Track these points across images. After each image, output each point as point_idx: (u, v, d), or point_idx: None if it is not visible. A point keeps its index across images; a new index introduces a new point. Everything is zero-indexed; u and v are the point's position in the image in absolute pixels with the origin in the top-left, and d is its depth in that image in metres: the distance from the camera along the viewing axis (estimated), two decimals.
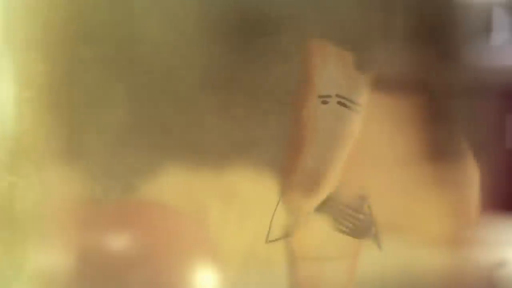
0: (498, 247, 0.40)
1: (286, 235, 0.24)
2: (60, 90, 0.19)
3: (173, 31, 0.20)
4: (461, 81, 0.26)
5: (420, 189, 0.25)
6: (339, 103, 0.25)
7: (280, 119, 0.22)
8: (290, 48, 0.21)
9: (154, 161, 0.21)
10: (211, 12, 0.20)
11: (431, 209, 0.26)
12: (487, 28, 0.25)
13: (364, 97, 0.26)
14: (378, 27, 0.23)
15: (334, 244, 0.26)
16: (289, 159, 0.24)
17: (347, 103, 0.25)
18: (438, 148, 0.26)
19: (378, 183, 0.25)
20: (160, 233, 0.23)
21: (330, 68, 0.24)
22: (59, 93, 0.19)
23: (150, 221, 0.23)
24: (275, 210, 0.24)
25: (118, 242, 0.23)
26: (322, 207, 0.25)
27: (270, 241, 0.24)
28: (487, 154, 0.28)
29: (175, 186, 0.23)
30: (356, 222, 0.26)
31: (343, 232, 0.25)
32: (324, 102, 0.24)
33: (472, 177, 0.49)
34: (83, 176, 0.21)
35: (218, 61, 0.20)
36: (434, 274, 0.26)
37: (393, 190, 0.25)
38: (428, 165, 0.25)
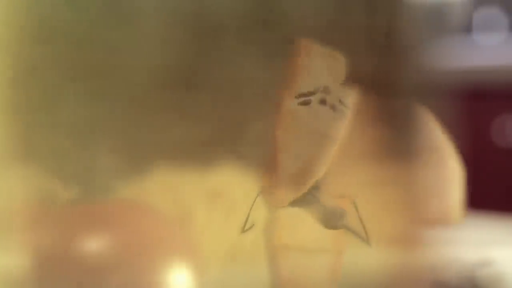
0: (481, 246, 0.41)
1: (262, 224, 0.24)
2: (17, 90, 0.19)
3: (133, 31, 0.20)
4: (417, 81, 0.26)
5: (375, 188, 0.25)
6: (322, 102, 0.25)
7: (249, 117, 0.22)
8: (260, 46, 0.21)
9: (111, 162, 0.21)
10: (174, 10, 0.19)
11: (384, 209, 0.26)
12: (443, 29, 0.25)
13: (352, 98, 0.26)
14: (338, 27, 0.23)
15: (316, 236, 0.25)
16: (269, 156, 0.23)
17: (332, 103, 0.25)
18: (393, 148, 0.26)
19: (336, 181, 0.24)
20: (135, 234, 0.22)
21: (316, 67, 0.24)
22: (15, 93, 0.19)
23: (122, 222, 0.22)
24: (254, 201, 0.23)
25: (90, 244, 0.22)
26: (300, 201, 0.25)
27: (245, 231, 0.24)
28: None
29: (129, 187, 0.22)
30: (326, 212, 0.26)
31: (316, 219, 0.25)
32: (307, 102, 0.24)
33: (429, 176, 0.49)
34: (39, 177, 0.21)
35: (181, 61, 0.20)
36: (382, 273, 0.26)
37: (350, 188, 0.25)
38: (384, 164, 0.25)
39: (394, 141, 0.26)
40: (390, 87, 0.26)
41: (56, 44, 0.19)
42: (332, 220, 0.25)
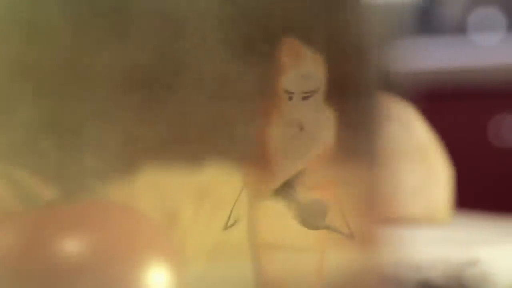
0: (468, 246, 0.40)
1: (245, 220, 0.24)
2: None
3: (86, 30, 0.20)
4: (379, 80, 0.26)
5: (338, 188, 0.25)
6: (304, 99, 0.25)
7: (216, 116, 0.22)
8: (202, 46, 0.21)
9: (64, 162, 0.21)
10: (129, 8, 0.19)
11: (347, 208, 0.26)
12: (396, 31, 0.25)
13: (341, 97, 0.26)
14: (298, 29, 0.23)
15: (299, 234, 0.25)
16: (253, 152, 0.23)
17: (315, 101, 0.25)
18: (354, 149, 0.26)
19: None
20: (113, 234, 0.22)
21: (299, 66, 0.24)
22: None
23: (99, 222, 0.22)
24: (237, 197, 0.23)
25: (65, 245, 0.22)
26: (281, 193, 0.25)
27: (228, 227, 0.24)
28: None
29: (113, 187, 0.22)
30: (306, 210, 0.25)
31: (296, 219, 0.25)
32: (289, 99, 0.24)
33: (414, 176, 0.49)
34: (13, 176, 0.21)
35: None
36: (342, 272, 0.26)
37: (327, 185, 0.25)
38: (346, 164, 0.25)
39: (354, 142, 0.26)
40: (353, 87, 0.26)
41: (8, 43, 0.19)
42: (312, 219, 0.25)
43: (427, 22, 1.76)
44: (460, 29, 1.72)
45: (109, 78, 0.21)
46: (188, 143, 0.23)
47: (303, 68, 0.25)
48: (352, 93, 0.26)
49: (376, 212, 0.27)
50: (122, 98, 0.21)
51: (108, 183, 0.22)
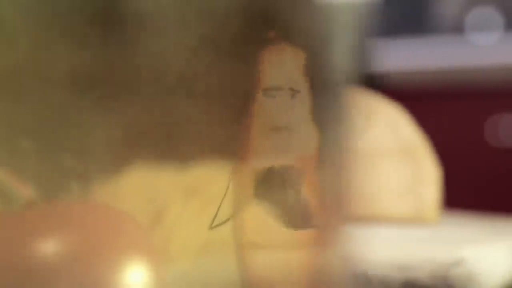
0: (455, 245, 0.41)
1: (231, 219, 0.24)
2: None
3: (45, 30, 0.20)
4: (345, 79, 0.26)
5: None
6: (289, 96, 0.25)
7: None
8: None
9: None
10: (84, 5, 0.19)
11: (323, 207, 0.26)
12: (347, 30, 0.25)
13: (324, 96, 0.26)
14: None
15: (285, 232, 0.25)
16: (239, 150, 0.23)
17: (298, 98, 0.25)
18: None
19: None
20: (92, 235, 0.22)
21: (281, 64, 0.24)
22: None
23: (78, 223, 0.22)
24: (224, 195, 0.23)
25: (42, 246, 0.22)
26: (263, 192, 0.25)
27: (214, 227, 0.24)
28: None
29: (101, 187, 0.22)
30: (290, 209, 0.26)
31: (279, 220, 0.25)
32: (273, 96, 0.24)
33: (401, 176, 0.49)
34: None
35: (85, 59, 0.20)
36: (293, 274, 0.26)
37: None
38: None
39: (322, 140, 0.26)
40: (319, 84, 0.26)
41: None
42: (295, 219, 0.25)
43: (424, 22, 1.76)
44: (457, 28, 1.72)
45: (70, 78, 0.21)
46: (174, 142, 0.23)
47: (285, 66, 0.25)
48: (318, 90, 0.26)
49: (347, 211, 0.27)
50: (83, 98, 0.21)
51: (91, 183, 0.22)
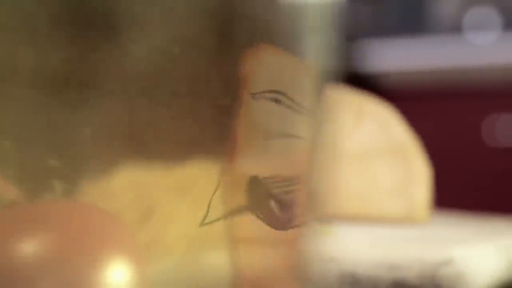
0: (443, 245, 0.41)
1: (222, 217, 0.24)
2: None
3: (8, 29, 0.20)
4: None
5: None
6: (275, 100, 0.25)
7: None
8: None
9: (26, 162, 0.21)
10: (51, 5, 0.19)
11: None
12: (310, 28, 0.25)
13: (311, 98, 0.26)
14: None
15: (270, 229, 0.26)
16: (229, 150, 0.24)
17: (285, 102, 0.25)
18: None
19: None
20: (73, 235, 0.23)
21: (270, 68, 0.24)
22: None
23: (60, 223, 0.22)
24: (214, 193, 0.24)
25: (22, 247, 0.22)
26: (251, 192, 0.25)
27: (205, 224, 0.24)
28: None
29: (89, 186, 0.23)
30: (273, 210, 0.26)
31: (259, 218, 0.25)
32: (261, 99, 0.24)
33: (392, 176, 0.49)
34: None
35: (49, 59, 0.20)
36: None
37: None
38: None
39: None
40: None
41: None
42: (280, 218, 0.25)
43: (422, 21, 1.76)
44: (455, 28, 1.72)
45: (36, 78, 0.21)
46: (161, 142, 0.23)
47: (270, 67, 0.25)
48: (297, 90, 0.26)
49: (321, 209, 0.28)
50: (62, 99, 0.21)
51: (77, 183, 0.22)
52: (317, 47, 0.26)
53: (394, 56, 1.58)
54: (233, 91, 0.24)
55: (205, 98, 0.23)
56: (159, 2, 0.22)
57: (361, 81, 1.60)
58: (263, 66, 0.25)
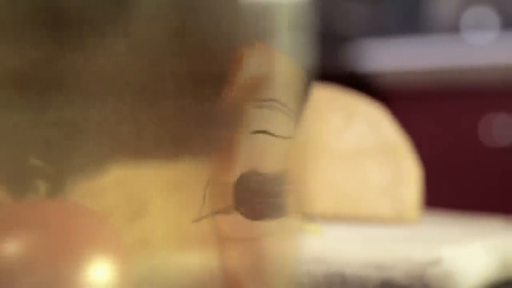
0: (432, 245, 0.40)
1: (212, 213, 0.24)
2: None
3: None
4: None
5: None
6: (264, 102, 0.25)
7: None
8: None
9: (8, 162, 0.21)
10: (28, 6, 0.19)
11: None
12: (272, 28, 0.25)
13: (298, 100, 0.26)
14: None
15: (260, 226, 0.26)
16: (219, 150, 0.24)
17: (278, 107, 0.25)
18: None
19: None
20: (58, 234, 0.23)
21: (257, 68, 0.24)
22: None
23: (45, 222, 0.22)
24: (205, 190, 0.24)
25: (5, 246, 0.22)
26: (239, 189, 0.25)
27: (195, 221, 0.24)
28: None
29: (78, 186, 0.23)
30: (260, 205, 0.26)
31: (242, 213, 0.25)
32: (248, 101, 0.24)
33: (382, 176, 0.49)
34: None
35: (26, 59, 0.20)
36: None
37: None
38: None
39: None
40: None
41: None
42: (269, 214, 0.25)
43: (420, 21, 1.75)
44: (453, 28, 1.72)
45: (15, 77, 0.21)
46: (150, 141, 0.23)
47: (258, 67, 0.25)
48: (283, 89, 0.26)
49: (308, 208, 0.28)
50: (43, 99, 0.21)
51: (64, 183, 0.22)
52: (287, 46, 0.26)
53: (392, 56, 1.58)
54: (218, 90, 0.24)
55: (190, 98, 0.23)
56: (125, 5, 0.22)
57: (359, 80, 1.60)
58: (250, 65, 0.25)
